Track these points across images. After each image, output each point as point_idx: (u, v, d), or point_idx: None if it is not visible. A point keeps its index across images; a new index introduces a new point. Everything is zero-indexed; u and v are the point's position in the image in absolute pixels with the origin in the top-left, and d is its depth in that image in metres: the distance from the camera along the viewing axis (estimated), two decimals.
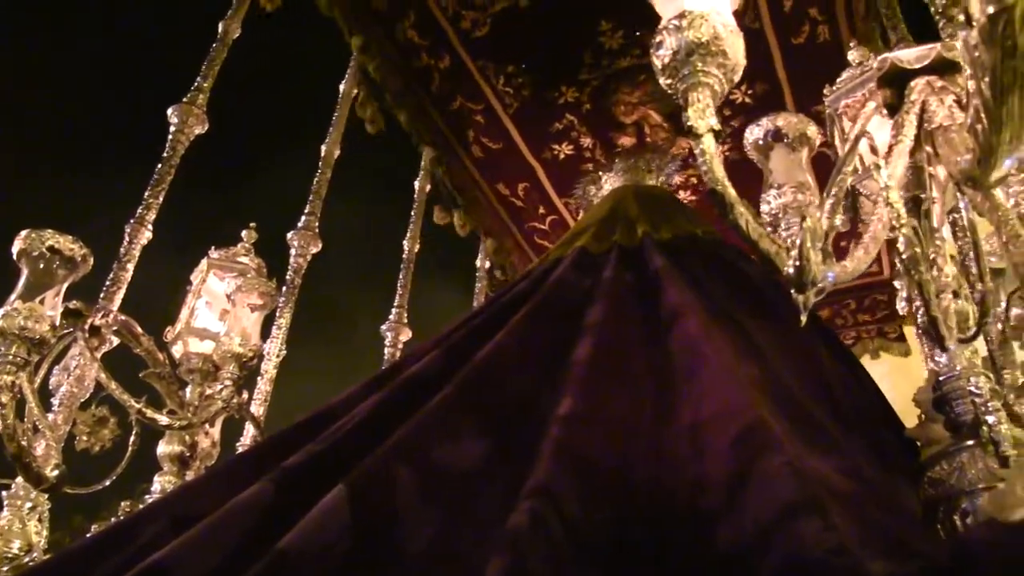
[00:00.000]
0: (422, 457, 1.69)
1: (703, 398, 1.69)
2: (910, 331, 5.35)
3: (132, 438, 2.75)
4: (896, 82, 1.93)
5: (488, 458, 1.73)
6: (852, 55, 2.50)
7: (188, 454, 2.78)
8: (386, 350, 4.11)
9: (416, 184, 4.64)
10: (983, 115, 1.18)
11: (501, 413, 1.87)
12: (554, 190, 4.94)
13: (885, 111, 2.00)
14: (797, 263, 1.24)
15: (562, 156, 4.72)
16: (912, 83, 1.86)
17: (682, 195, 4.76)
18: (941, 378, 1.73)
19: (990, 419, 1.59)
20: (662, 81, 1.53)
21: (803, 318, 1.29)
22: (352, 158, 4.13)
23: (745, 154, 4.89)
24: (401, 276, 4.36)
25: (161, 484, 2.77)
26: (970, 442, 1.57)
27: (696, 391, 1.74)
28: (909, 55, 1.92)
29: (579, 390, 1.82)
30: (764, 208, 2.30)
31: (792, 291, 1.27)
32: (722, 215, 1.42)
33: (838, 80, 2.45)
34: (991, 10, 1.07)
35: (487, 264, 5.14)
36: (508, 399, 1.93)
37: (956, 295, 1.68)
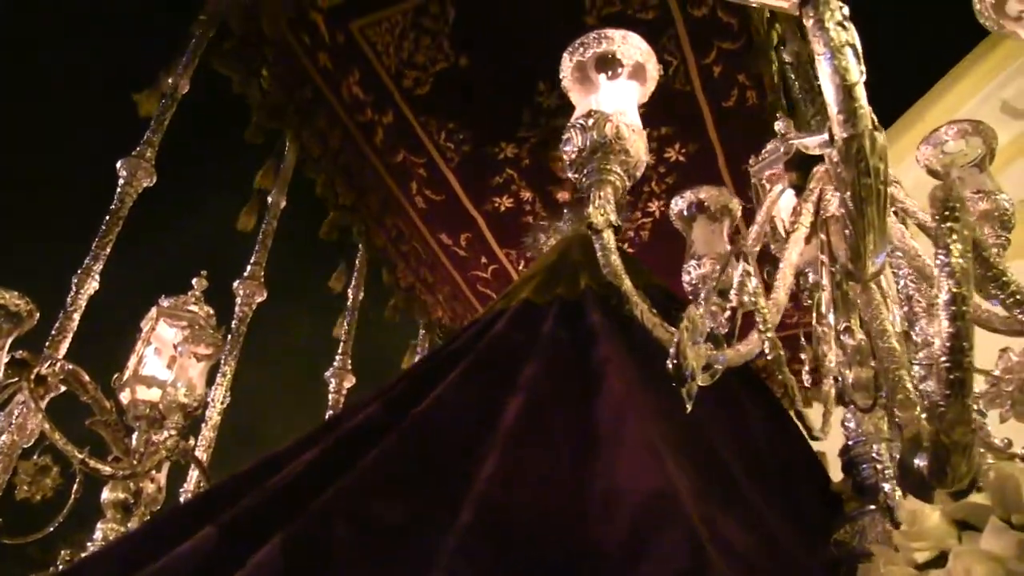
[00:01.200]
0: (357, 511, 1.73)
1: (618, 463, 1.75)
2: None
3: (75, 486, 2.81)
4: (802, 166, 2.08)
5: (421, 514, 1.76)
6: (778, 125, 2.62)
7: (132, 501, 2.84)
8: (330, 396, 4.20)
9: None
10: (849, 223, 1.33)
11: (435, 469, 1.91)
12: (495, 241, 5.06)
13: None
14: (674, 360, 1.36)
15: (502, 208, 4.84)
16: (813, 169, 2.01)
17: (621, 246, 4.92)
18: (850, 442, 1.84)
19: (886, 486, 1.70)
20: (570, 174, 1.67)
21: (688, 407, 1.38)
22: (299, 206, 4.25)
23: None
24: (345, 323, 4.47)
25: (103, 532, 2.81)
26: (872, 506, 1.69)
27: (613, 455, 1.79)
28: (812, 142, 2.06)
29: (504, 449, 1.85)
30: (685, 278, 2.42)
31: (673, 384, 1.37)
32: (620, 306, 1.55)
33: (763, 150, 2.55)
34: (845, 134, 1.22)
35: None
36: (442, 455, 1.96)
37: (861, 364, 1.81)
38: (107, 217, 3.18)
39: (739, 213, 2.61)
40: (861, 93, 1.23)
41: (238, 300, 3.77)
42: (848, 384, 1.75)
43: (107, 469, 2.66)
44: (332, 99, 4.29)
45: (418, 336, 5.23)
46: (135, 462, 2.86)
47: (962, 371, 0.95)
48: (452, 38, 4.02)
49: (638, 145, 1.63)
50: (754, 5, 1.52)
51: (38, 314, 2.47)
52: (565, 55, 1.78)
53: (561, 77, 1.81)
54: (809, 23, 1.30)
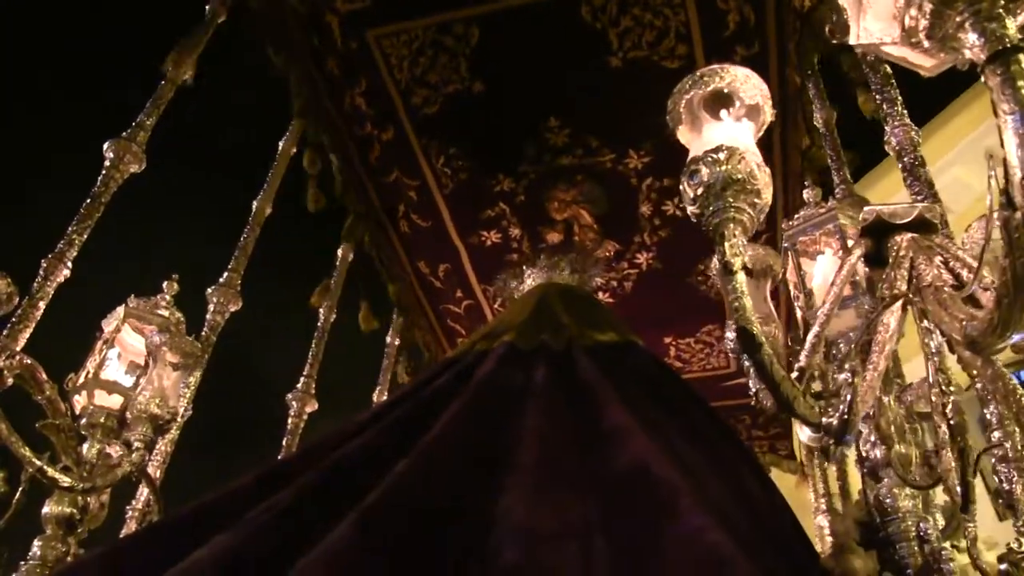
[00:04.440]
0: (358, 564, 1.57)
1: (665, 519, 1.60)
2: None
3: (17, 495, 2.51)
4: (877, 233, 1.97)
5: (455, 545, 1.64)
6: (807, 194, 2.57)
7: (78, 517, 2.54)
8: (290, 420, 3.94)
9: (339, 252, 4.51)
10: (1010, 290, 1.20)
11: (438, 518, 1.75)
12: (475, 275, 4.91)
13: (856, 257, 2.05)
14: (845, 417, 1.24)
15: (489, 243, 4.71)
16: (898, 237, 1.90)
17: (600, 296, 4.81)
18: (887, 519, 1.75)
19: (945, 567, 1.63)
20: (689, 210, 1.52)
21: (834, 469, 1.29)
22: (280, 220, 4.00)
23: (668, 264, 4.95)
24: (314, 344, 4.21)
25: (40, 549, 2.50)
26: None
27: (656, 511, 1.64)
28: (891, 210, 1.97)
29: (531, 498, 1.72)
30: (728, 335, 2.33)
31: (832, 442, 1.27)
32: (747, 352, 1.41)
33: (796, 216, 2.49)
34: None
35: (396, 341, 5.02)
36: (444, 502, 1.81)
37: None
38: (87, 201, 2.91)
39: (780, 274, 2.53)
40: None
41: (211, 308, 3.48)
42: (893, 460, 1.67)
43: (66, 480, 2.36)
44: (330, 108, 4.09)
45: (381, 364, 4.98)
46: (85, 473, 2.57)
47: None
48: (471, 61, 3.87)
49: (768, 188, 1.49)
50: (891, 60, 1.40)
51: (17, 298, 2.19)
52: (679, 86, 1.64)
53: (669, 108, 1.67)
54: (995, 81, 1.18)
